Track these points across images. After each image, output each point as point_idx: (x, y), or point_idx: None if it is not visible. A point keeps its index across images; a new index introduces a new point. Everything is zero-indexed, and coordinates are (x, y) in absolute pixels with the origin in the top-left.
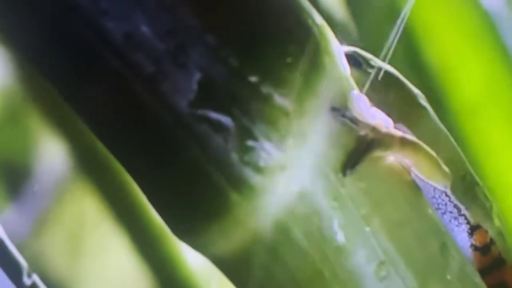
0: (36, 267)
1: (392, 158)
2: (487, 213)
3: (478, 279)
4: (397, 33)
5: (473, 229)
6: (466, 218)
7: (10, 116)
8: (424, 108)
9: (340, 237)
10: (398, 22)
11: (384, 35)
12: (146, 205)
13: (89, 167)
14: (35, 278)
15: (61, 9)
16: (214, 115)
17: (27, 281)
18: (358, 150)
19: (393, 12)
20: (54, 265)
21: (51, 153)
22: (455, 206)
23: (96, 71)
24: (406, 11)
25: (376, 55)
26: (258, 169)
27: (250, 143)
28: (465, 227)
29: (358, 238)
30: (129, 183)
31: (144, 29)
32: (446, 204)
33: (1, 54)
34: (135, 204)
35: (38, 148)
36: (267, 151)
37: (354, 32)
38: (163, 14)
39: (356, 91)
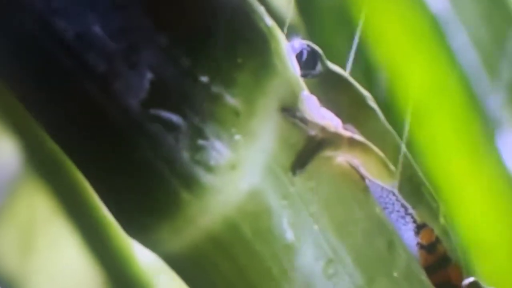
0: None
1: (341, 158)
2: (433, 213)
3: (424, 276)
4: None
5: (419, 227)
6: (412, 217)
7: None
8: (372, 109)
9: (289, 235)
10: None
11: (333, 37)
12: (97, 203)
13: (40, 164)
14: None
15: (10, 7)
16: (166, 115)
17: None
18: (308, 150)
19: (342, 14)
20: (5, 262)
21: (3, 150)
22: (402, 205)
23: (47, 70)
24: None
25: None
26: (209, 168)
27: (201, 142)
28: (411, 226)
29: (307, 236)
30: (80, 181)
31: (96, 28)
32: (393, 203)
33: None
34: (86, 201)
35: None
36: (218, 150)
37: (303, 34)
38: (114, 13)
39: (306, 92)
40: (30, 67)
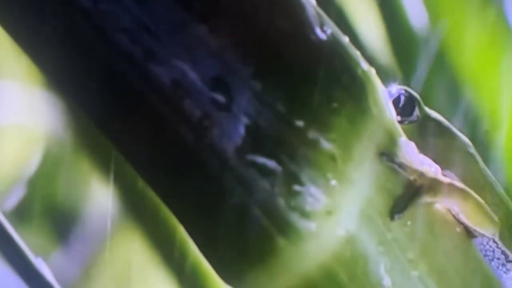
0: None
1: (440, 204)
2: None
3: None
4: None
5: None
6: None
7: (60, 161)
8: (472, 156)
9: (387, 282)
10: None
11: (430, 83)
12: (193, 249)
13: (136, 210)
14: None
15: (110, 54)
16: (261, 160)
17: None
18: (406, 195)
19: (440, 59)
20: None
21: (100, 197)
22: (503, 252)
23: (143, 115)
24: None
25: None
26: (305, 214)
27: (296, 187)
28: None
29: (405, 283)
30: (176, 228)
31: (192, 75)
32: (493, 251)
33: (50, 99)
34: (182, 248)
35: (87, 192)
36: (314, 195)
37: (400, 79)
38: (210, 60)
39: (403, 138)
40: (127, 113)
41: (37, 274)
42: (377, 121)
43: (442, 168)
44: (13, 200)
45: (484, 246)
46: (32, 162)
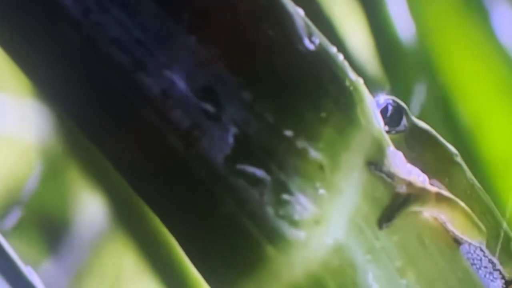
0: None
1: (427, 213)
2: None
3: None
4: None
5: (508, 284)
6: (501, 273)
7: (50, 170)
8: (458, 165)
9: None
10: None
11: (415, 91)
12: (184, 259)
13: (126, 220)
14: None
15: (100, 65)
16: (250, 169)
17: None
18: (394, 205)
19: (427, 69)
20: None
21: (90, 207)
22: (490, 261)
23: (133, 125)
24: None
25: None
26: (293, 223)
27: (285, 197)
28: (500, 282)
29: None
30: (165, 236)
31: (181, 85)
32: (481, 259)
33: (40, 109)
34: (171, 256)
35: (77, 201)
36: (302, 204)
37: (388, 89)
38: (199, 70)
39: (392, 148)
40: (116, 123)
41: (27, 283)
42: (365, 131)
43: (430, 178)
44: (11, 218)
45: (472, 254)
46: (27, 175)
